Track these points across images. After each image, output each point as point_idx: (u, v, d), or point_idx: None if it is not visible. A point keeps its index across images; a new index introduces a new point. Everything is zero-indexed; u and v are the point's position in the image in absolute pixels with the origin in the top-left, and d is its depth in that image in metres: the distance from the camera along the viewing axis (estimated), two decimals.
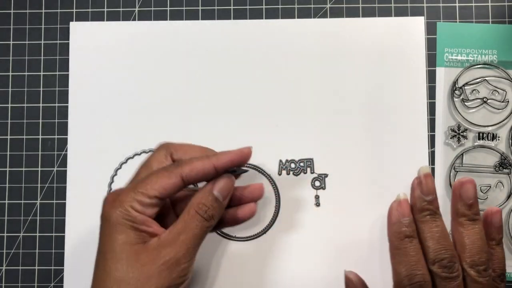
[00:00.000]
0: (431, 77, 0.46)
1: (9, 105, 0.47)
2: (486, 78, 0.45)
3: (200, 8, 0.48)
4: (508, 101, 0.45)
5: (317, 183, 0.45)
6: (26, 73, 0.48)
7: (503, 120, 0.45)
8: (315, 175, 0.45)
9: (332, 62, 0.46)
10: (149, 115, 0.46)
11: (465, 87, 0.45)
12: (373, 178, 0.45)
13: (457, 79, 0.45)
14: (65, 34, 0.48)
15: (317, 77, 0.46)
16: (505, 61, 0.46)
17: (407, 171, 0.45)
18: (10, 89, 0.47)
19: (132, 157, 0.46)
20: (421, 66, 0.46)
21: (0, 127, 0.47)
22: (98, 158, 0.46)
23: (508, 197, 0.45)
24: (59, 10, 0.48)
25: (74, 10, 0.48)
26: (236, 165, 0.37)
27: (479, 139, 0.45)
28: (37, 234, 0.46)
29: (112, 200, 0.35)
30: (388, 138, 0.46)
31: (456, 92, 0.45)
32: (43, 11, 0.48)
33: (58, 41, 0.48)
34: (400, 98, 0.46)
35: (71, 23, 0.48)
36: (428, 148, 0.45)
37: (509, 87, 0.45)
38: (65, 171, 0.46)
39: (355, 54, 0.46)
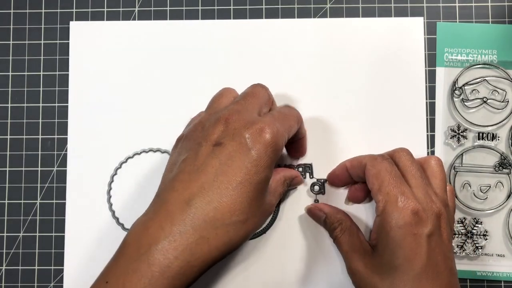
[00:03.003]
0: (431, 77, 0.46)
1: (9, 105, 0.47)
2: (486, 78, 0.45)
3: (200, 8, 0.48)
4: (508, 101, 0.45)
5: (316, 188, 0.45)
6: (26, 73, 0.48)
7: (503, 120, 0.45)
8: (314, 180, 0.45)
9: (331, 62, 0.46)
10: (149, 114, 0.46)
11: (465, 87, 0.45)
12: None
13: (457, 79, 0.45)
14: (65, 34, 0.48)
15: (316, 77, 0.46)
16: (505, 61, 0.46)
17: None
18: (10, 89, 0.47)
19: (132, 157, 0.46)
20: (421, 66, 0.46)
21: (0, 127, 0.47)
22: (98, 158, 0.46)
23: (508, 197, 0.45)
24: (59, 10, 0.48)
25: (74, 10, 0.48)
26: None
27: (479, 139, 0.45)
28: (37, 234, 0.46)
29: (275, 123, 0.36)
30: (388, 139, 0.46)
31: (456, 92, 0.45)
32: (43, 11, 0.48)
33: (58, 41, 0.48)
34: (400, 98, 0.46)
35: (71, 23, 0.48)
36: (428, 148, 0.45)
37: (509, 87, 0.45)
38: (65, 171, 0.46)
39: (354, 54, 0.46)
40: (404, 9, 0.47)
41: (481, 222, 0.44)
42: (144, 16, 0.48)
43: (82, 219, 0.46)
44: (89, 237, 0.45)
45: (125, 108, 0.47)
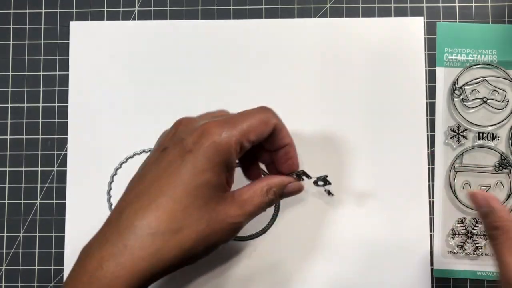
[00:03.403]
0: (431, 77, 0.46)
1: (9, 105, 0.47)
2: (486, 78, 0.45)
3: (200, 8, 0.48)
4: (508, 101, 0.45)
5: (320, 183, 0.44)
6: (26, 73, 0.48)
7: (503, 120, 0.45)
8: (314, 179, 0.45)
9: (331, 62, 0.46)
10: (149, 114, 0.46)
11: (465, 87, 0.45)
12: (373, 179, 0.45)
13: (457, 79, 0.45)
14: (65, 34, 0.48)
15: (316, 77, 0.46)
16: (505, 61, 0.46)
17: (406, 171, 0.45)
18: (10, 89, 0.47)
19: (132, 157, 0.46)
20: (421, 66, 0.46)
21: (0, 127, 0.47)
22: (98, 158, 0.46)
23: (508, 197, 0.45)
24: (59, 10, 0.48)
25: (74, 10, 0.48)
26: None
27: (478, 139, 0.45)
28: (37, 234, 0.46)
29: (222, 125, 0.34)
30: (388, 138, 0.46)
31: (456, 92, 0.45)
32: (43, 11, 0.48)
33: (58, 41, 0.48)
34: (400, 98, 0.46)
35: (71, 22, 0.48)
36: (428, 148, 0.45)
37: (509, 87, 0.45)
38: (65, 171, 0.46)
39: (355, 54, 0.46)
40: (404, 9, 0.47)
41: (481, 222, 0.44)
42: (144, 16, 0.48)
43: (82, 219, 0.46)
44: (89, 237, 0.45)
45: (125, 108, 0.47)
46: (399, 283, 0.44)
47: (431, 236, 0.45)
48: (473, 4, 0.47)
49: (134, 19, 0.48)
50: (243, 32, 0.47)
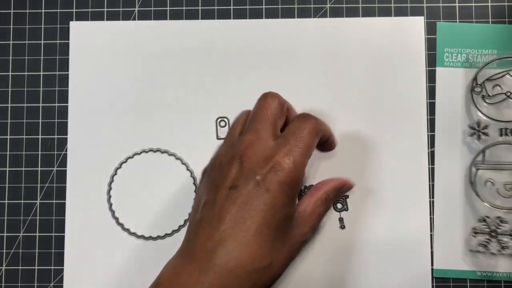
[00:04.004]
0: (431, 77, 0.46)
1: (9, 105, 0.47)
2: (509, 72, 0.44)
3: (200, 8, 0.48)
4: None
5: (338, 206, 0.45)
6: (26, 73, 0.48)
7: None
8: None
9: (332, 62, 0.46)
10: (149, 114, 0.46)
11: (485, 83, 0.44)
12: (373, 178, 0.45)
13: (475, 76, 0.44)
14: (65, 34, 0.48)
15: (317, 76, 0.46)
16: (505, 61, 0.46)
17: (406, 171, 0.45)
18: (10, 89, 0.47)
19: (132, 157, 0.46)
20: (421, 66, 0.46)
21: (0, 127, 0.47)
22: (98, 158, 0.46)
23: None
24: (59, 10, 0.48)
25: (74, 10, 0.48)
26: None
27: (501, 135, 0.44)
28: (37, 234, 0.46)
29: (288, 154, 0.36)
30: (388, 138, 0.46)
31: (476, 89, 0.44)
32: (43, 11, 0.48)
33: (58, 41, 0.48)
34: (400, 98, 0.46)
35: (71, 22, 0.48)
36: (428, 148, 0.45)
37: None
38: (65, 171, 0.46)
39: (355, 54, 0.46)
40: (404, 9, 0.47)
41: (506, 221, 0.43)
42: (144, 16, 0.48)
43: (82, 219, 0.46)
44: (89, 237, 0.45)
45: (125, 108, 0.47)
46: (399, 283, 0.44)
47: (431, 236, 0.45)
48: (473, 4, 0.47)
49: (134, 19, 0.48)
50: (243, 32, 0.47)
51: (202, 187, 0.39)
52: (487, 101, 0.44)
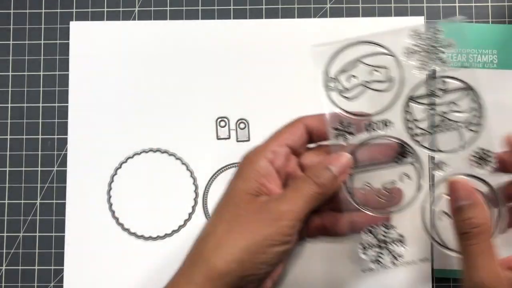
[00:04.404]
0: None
1: (9, 105, 0.47)
2: (361, 59, 0.38)
3: (200, 8, 0.48)
4: (392, 79, 0.38)
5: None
6: (26, 73, 0.48)
7: (393, 101, 0.38)
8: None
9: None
10: (149, 114, 0.46)
11: (339, 76, 0.38)
12: None
13: (327, 69, 0.38)
14: (65, 34, 0.48)
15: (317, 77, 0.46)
16: (505, 61, 0.46)
17: None
18: (10, 89, 0.47)
19: (132, 157, 0.46)
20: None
21: (0, 127, 0.47)
22: (98, 158, 0.46)
23: (418, 189, 0.38)
24: (59, 10, 0.48)
25: (74, 10, 0.48)
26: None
27: (367, 130, 0.38)
28: (37, 234, 0.46)
29: (251, 152, 0.37)
30: None
31: (330, 84, 0.38)
32: (43, 11, 0.48)
33: (58, 41, 0.48)
34: None
35: (71, 22, 0.48)
36: None
37: (392, 62, 0.38)
38: (65, 171, 0.46)
39: None
40: (404, 9, 0.47)
41: (392, 227, 0.38)
42: (144, 16, 0.48)
43: (82, 219, 0.46)
44: (89, 237, 0.45)
45: (125, 108, 0.47)
46: (399, 283, 0.44)
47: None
48: (473, 4, 0.47)
49: (134, 19, 0.48)
50: (243, 32, 0.47)
51: None
52: (344, 95, 0.38)
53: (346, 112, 0.38)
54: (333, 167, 0.36)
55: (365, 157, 0.38)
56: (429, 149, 0.38)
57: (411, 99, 0.38)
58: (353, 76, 0.38)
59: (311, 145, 0.40)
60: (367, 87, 0.38)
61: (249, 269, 0.34)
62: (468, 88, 0.38)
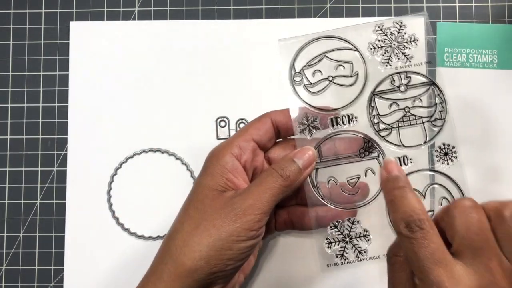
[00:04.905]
0: (431, 78, 0.46)
1: (9, 105, 0.47)
2: (326, 54, 0.38)
3: (200, 8, 0.48)
4: (357, 74, 0.38)
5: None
6: (26, 73, 0.48)
7: (357, 97, 0.38)
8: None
9: None
10: (149, 114, 0.46)
11: (305, 70, 0.38)
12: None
13: (293, 64, 0.39)
14: (65, 34, 0.48)
15: None
16: (505, 61, 0.46)
17: None
18: (10, 89, 0.47)
19: (132, 157, 0.46)
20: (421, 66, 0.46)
21: (0, 127, 0.47)
22: (98, 158, 0.46)
23: None
24: (59, 10, 0.48)
25: (74, 10, 0.48)
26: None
27: (332, 125, 0.38)
28: (37, 234, 0.46)
29: (216, 148, 0.38)
30: None
31: (296, 78, 0.38)
32: (43, 11, 0.48)
33: (58, 41, 0.48)
34: None
35: (71, 22, 0.48)
36: None
37: (356, 57, 0.38)
38: (65, 171, 0.46)
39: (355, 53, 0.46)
40: (404, 9, 0.47)
41: (358, 222, 0.38)
42: (144, 16, 0.48)
43: (82, 219, 0.46)
44: (89, 237, 0.45)
45: (125, 108, 0.47)
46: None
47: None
48: (473, 4, 0.47)
49: (134, 19, 0.48)
50: (243, 32, 0.47)
51: None
52: (310, 90, 0.38)
53: (312, 106, 0.38)
54: (298, 159, 0.36)
55: (330, 151, 0.38)
56: (393, 144, 0.38)
57: (376, 94, 0.38)
58: (318, 70, 0.38)
59: (278, 140, 0.40)
60: (332, 81, 0.38)
61: (217, 265, 0.34)
62: (431, 83, 0.38)
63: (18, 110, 0.47)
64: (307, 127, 0.38)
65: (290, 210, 0.40)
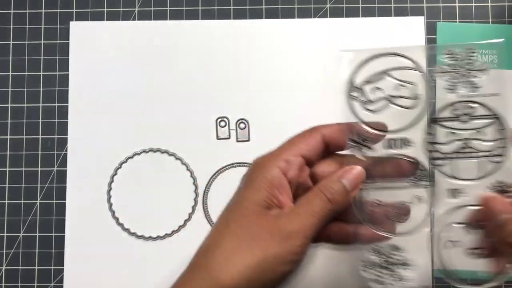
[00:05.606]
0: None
1: (9, 105, 0.47)
2: (389, 72, 0.36)
3: (200, 8, 0.48)
4: (418, 96, 0.36)
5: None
6: (26, 73, 0.48)
7: (415, 120, 0.36)
8: None
9: (332, 62, 0.46)
10: (149, 114, 0.46)
11: (365, 86, 0.36)
12: None
13: (352, 78, 0.36)
14: (65, 34, 0.48)
15: (317, 77, 0.46)
16: (505, 61, 0.46)
17: None
18: (10, 89, 0.47)
19: (132, 157, 0.46)
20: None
21: (0, 127, 0.47)
22: (98, 158, 0.46)
23: (429, 213, 0.36)
24: (59, 10, 0.48)
25: (74, 10, 0.48)
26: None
27: (385, 147, 0.36)
28: (37, 234, 0.46)
29: (261, 159, 0.35)
30: None
31: (353, 94, 0.36)
32: (43, 11, 0.48)
33: (58, 41, 0.48)
34: None
35: (71, 22, 0.48)
36: None
37: (421, 79, 0.36)
38: (65, 171, 0.46)
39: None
40: (404, 9, 0.47)
41: (398, 249, 0.36)
42: (144, 16, 0.48)
43: (82, 219, 0.46)
44: (89, 237, 0.45)
45: (125, 108, 0.47)
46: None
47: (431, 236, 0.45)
48: (473, 4, 0.47)
49: (134, 19, 0.48)
50: (243, 32, 0.47)
51: None
52: (367, 107, 0.36)
53: (366, 124, 0.36)
54: (345, 180, 0.35)
55: (379, 173, 0.36)
56: (446, 175, 0.36)
57: (435, 120, 0.36)
58: (378, 88, 0.36)
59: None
60: (391, 102, 0.36)
61: (256, 286, 0.33)
62: (494, 117, 0.36)
63: (18, 110, 0.47)
64: (358, 145, 0.36)
65: (329, 225, 0.37)
